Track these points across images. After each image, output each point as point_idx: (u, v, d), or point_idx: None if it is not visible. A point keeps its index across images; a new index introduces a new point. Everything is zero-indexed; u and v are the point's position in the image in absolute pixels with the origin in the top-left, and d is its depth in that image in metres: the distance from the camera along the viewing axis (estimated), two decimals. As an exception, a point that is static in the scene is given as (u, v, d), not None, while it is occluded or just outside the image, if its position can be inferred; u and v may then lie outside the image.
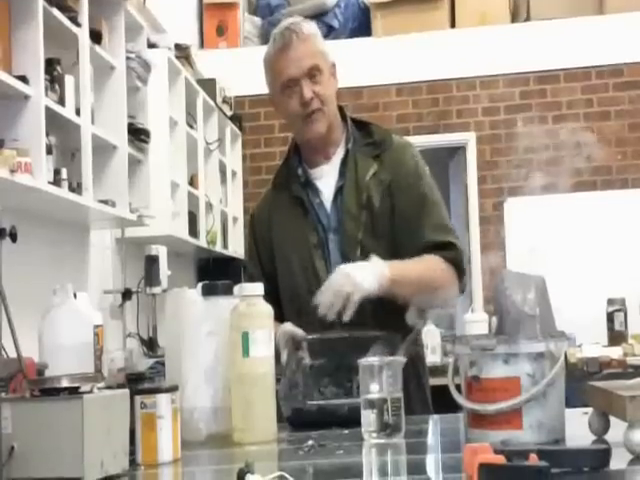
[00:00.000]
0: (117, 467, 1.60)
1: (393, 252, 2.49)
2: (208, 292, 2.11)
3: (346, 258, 2.49)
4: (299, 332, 2.32)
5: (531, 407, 1.69)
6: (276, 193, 2.70)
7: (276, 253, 2.63)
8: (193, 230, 5.78)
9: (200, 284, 2.13)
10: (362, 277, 2.30)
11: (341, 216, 2.56)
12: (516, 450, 1.42)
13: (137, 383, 2.03)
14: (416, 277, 2.46)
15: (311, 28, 2.61)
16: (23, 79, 3.48)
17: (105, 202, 4.26)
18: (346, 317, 2.27)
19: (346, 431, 2.02)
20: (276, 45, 2.57)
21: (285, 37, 2.56)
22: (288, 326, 2.35)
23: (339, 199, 2.58)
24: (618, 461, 1.49)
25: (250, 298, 2.03)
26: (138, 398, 1.75)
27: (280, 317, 2.41)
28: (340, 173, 2.60)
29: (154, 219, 4.89)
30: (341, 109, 2.69)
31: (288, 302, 2.58)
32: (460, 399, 1.77)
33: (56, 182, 3.74)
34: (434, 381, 2.71)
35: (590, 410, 1.78)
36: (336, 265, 2.45)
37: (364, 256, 2.46)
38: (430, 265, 2.50)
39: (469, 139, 7.40)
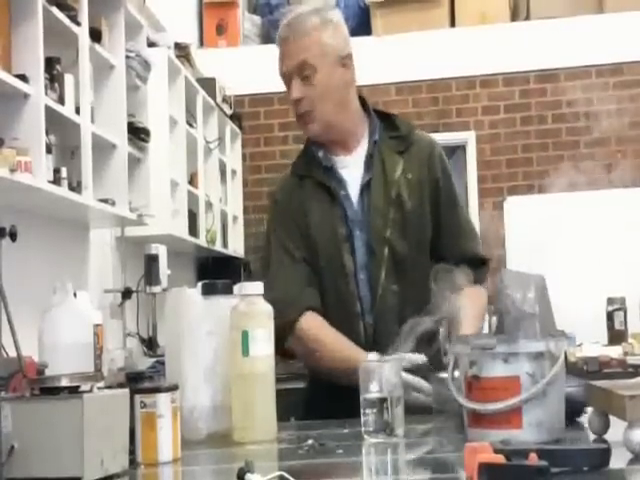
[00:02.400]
0: (117, 466, 1.60)
1: (420, 251, 2.51)
2: (208, 291, 2.11)
3: (372, 255, 2.48)
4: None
5: (531, 406, 1.69)
6: (298, 179, 2.60)
7: (305, 236, 2.55)
8: (193, 229, 5.78)
9: (200, 283, 2.13)
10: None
11: (367, 212, 2.51)
12: (516, 449, 1.42)
13: (137, 382, 2.03)
14: (479, 327, 2.50)
15: (313, 21, 2.51)
16: (23, 78, 3.48)
17: (105, 201, 4.26)
18: None
19: (346, 430, 2.02)
20: (278, 37, 2.56)
21: (282, 31, 2.54)
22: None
23: (365, 194, 2.53)
24: (618, 460, 1.49)
25: (250, 297, 2.03)
26: (138, 397, 1.75)
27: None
28: (366, 167, 2.55)
29: (154, 218, 4.89)
30: (363, 100, 2.65)
31: None
32: (460, 398, 1.77)
33: (56, 181, 3.74)
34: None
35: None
36: (362, 263, 2.47)
37: (391, 255, 2.46)
38: (481, 305, 2.55)
39: (469, 138, 7.40)
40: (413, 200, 2.52)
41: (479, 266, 2.59)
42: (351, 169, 2.56)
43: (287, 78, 2.52)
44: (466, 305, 2.34)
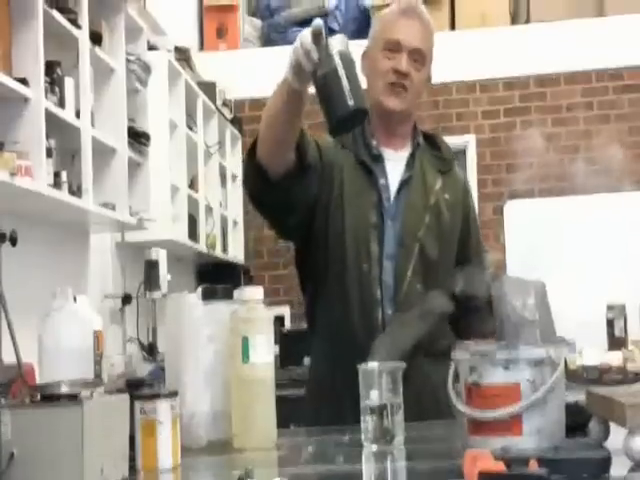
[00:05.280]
0: (117, 473, 1.60)
1: (448, 261, 2.55)
2: (208, 296, 2.10)
3: (402, 248, 2.49)
4: None
5: (531, 413, 1.69)
6: (339, 148, 2.58)
7: (331, 211, 2.52)
8: (193, 234, 5.78)
9: (200, 288, 2.12)
10: None
11: (403, 208, 2.53)
12: (516, 457, 1.42)
13: (137, 388, 2.03)
14: None
15: (430, 19, 2.63)
16: (23, 81, 3.48)
17: (105, 205, 4.25)
18: None
19: (346, 437, 2.02)
20: (402, 6, 2.57)
21: (413, 7, 2.58)
22: None
23: (404, 190, 2.55)
24: (618, 468, 1.49)
25: (250, 303, 2.02)
26: (138, 404, 1.75)
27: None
28: (407, 167, 2.58)
29: (154, 223, 4.88)
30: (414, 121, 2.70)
31: (329, 268, 2.53)
32: (460, 405, 1.77)
33: (56, 185, 3.74)
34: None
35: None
36: (390, 252, 2.48)
37: (420, 254, 2.49)
38: None
39: (469, 142, 7.40)
40: (449, 216, 2.58)
41: None
42: (394, 165, 2.58)
43: (397, 47, 2.53)
44: None
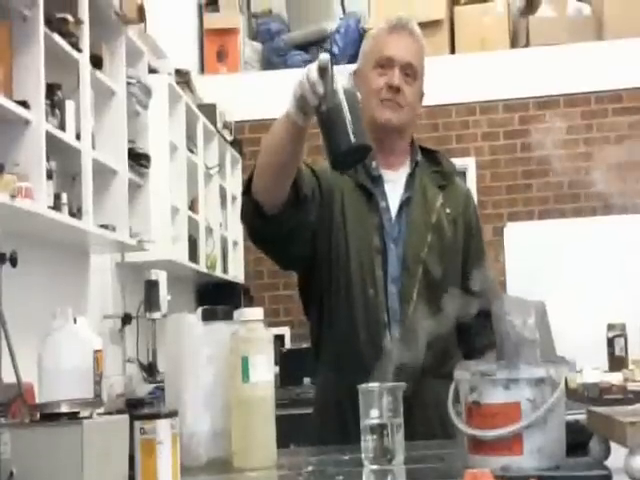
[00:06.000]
0: (116, 493, 1.59)
1: (453, 281, 2.51)
2: (208, 317, 2.10)
3: (406, 271, 2.48)
4: None
5: (531, 433, 1.68)
6: (336, 171, 2.51)
7: (334, 235, 2.52)
8: (193, 255, 5.78)
9: (200, 309, 2.12)
10: None
11: (404, 229, 2.53)
12: (516, 476, 1.41)
13: (136, 408, 2.03)
14: None
15: (420, 33, 2.62)
16: (24, 104, 3.49)
17: (105, 227, 4.26)
18: None
19: (346, 457, 2.01)
20: (391, 23, 2.57)
21: (403, 23, 2.58)
22: None
23: (405, 211, 2.55)
24: (619, 487, 1.49)
25: (250, 323, 2.02)
26: (137, 424, 1.74)
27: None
28: (406, 186, 2.57)
29: (154, 244, 4.89)
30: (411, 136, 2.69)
31: (335, 293, 2.52)
32: (460, 425, 1.76)
33: (56, 207, 3.74)
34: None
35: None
36: (395, 276, 2.47)
37: (425, 275, 2.48)
38: None
39: (469, 164, 7.41)
40: (451, 230, 2.57)
41: None
42: (394, 185, 2.58)
43: (389, 64, 2.53)
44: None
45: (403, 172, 2.60)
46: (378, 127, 2.54)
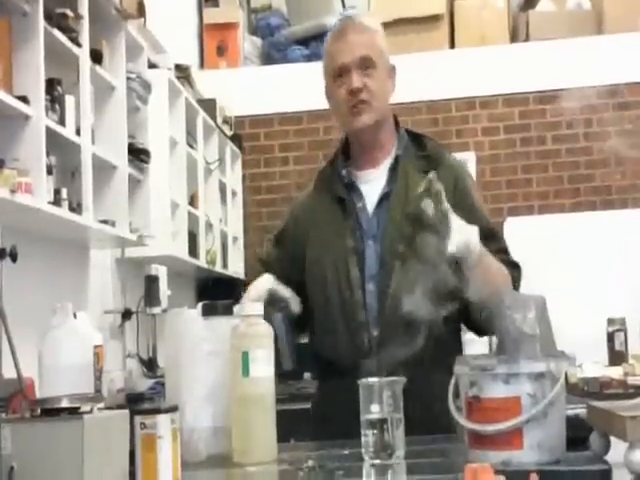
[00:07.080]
0: (117, 488, 1.60)
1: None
2: (208, 312, 2.11)
3: (384, 268, 2.45)
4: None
5: (532, 427, 1.68)
6: (317, 194, 2.63)
7: (308, 253, 2.56)
8: (193, 250, 5.78)
9: (200, 304, 2.13)
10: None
11: (384, 224, 2.50)
12: (517, 470, 1.41)
13: (137, 403, 2.03)
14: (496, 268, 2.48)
15: (372, 23, 2.57)
16: (24, 99, 3.49)
17: (105, 222, 4.26)
18: None
19: (346, 451, 2.01)
20: (333, 32, 2.56)
21: (342, 25, 2.55)
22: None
23: (384, 206, 2.52)
24: (619, 481, 1.49)
25: (250, 318, 2.02)
26: (138, 418, 1.74)
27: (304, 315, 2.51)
28: (388, 180, 2.54)
29: (154, 239, 4.89)
30: (395, 118, 2.66)
31: (314, 298, 2.54)
32: (460, 419, 1.76)
33: (56, 202, 3.75)
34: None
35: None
36: (372, 273, 2.45)
37: (403, 269, 2.42)
38: (504, 271, 2.56)
39: (469, 159, 7.39)
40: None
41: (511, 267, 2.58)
42: (374, 183, 2.55)
43: (344, 70, 2.50)
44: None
45: (386, 165, 2.57)
46: (357, 133, 2.55)
